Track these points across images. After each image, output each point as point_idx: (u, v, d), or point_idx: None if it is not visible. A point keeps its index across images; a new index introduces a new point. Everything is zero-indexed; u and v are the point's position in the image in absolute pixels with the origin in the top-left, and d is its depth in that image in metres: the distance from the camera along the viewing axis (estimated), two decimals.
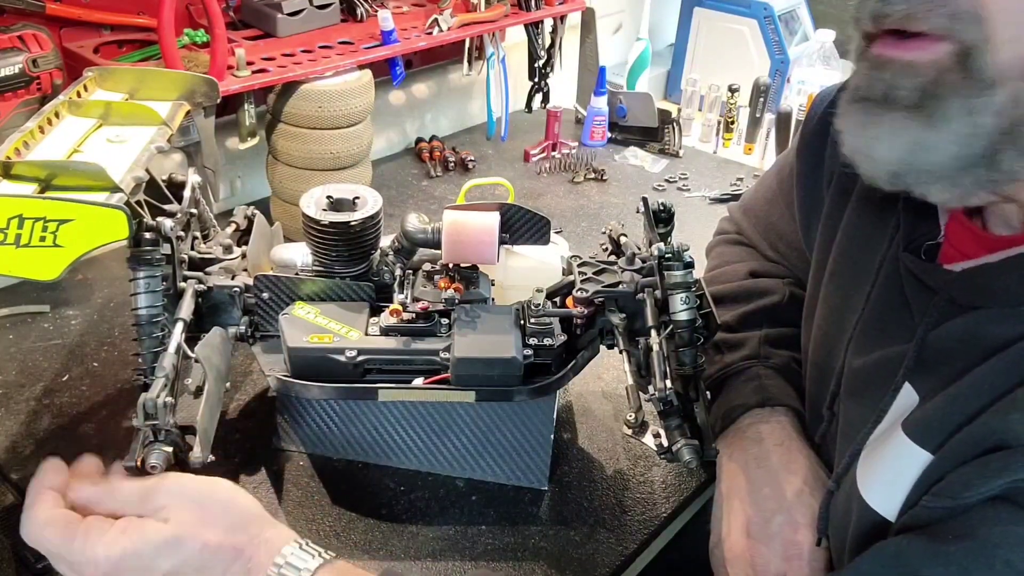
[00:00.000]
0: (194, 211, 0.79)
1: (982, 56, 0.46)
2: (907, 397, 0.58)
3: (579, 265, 0.79)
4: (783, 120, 1.50)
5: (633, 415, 0.74)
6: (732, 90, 1.57)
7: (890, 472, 0.56)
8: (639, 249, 0.78)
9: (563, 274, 0.81)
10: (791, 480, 0.71)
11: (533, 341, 0.72)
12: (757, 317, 0.84)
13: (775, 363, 0.80)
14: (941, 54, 0.47)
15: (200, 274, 0.75)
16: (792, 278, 0.87)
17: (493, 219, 0.75)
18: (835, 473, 0.63)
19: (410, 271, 0.78)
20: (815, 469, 0.72)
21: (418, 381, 0.72)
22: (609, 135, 1.61)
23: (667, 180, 1.48)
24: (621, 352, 0.73)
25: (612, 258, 0.80)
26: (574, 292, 0.75)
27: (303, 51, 1.11)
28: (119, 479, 0.60)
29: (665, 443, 0.69)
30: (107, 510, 0.58)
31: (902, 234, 0.61)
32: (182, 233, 0.76)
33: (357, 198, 0.76)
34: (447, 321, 0.74)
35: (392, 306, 0.74)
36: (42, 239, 0.59)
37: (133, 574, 0.54)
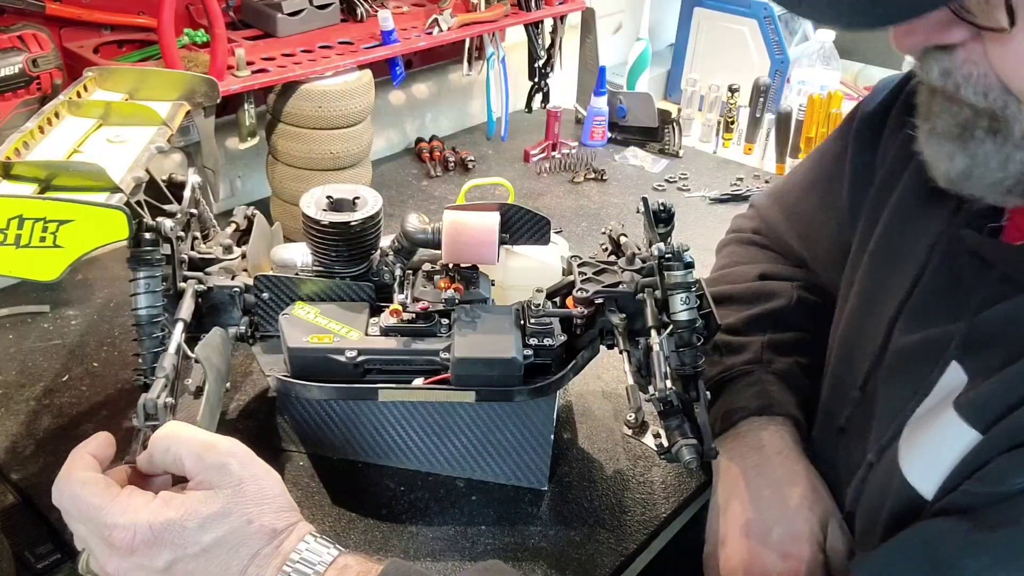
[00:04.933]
0: (194, 211, 0.79)
1: (1013, 121, 0.49)
2: (954, 376, 0.57)
3: (579, 265, 0.79)
4: (783, 120, 1.50)
5: (633, 415, 0.74)
6: (732, 90, 1.57)
7: (934, 449, 0.56)
8: (639, 249, 0.78)
9: (563, 274, 0.81)
10: (791, 491, 0.70)
11: (533, 341, 0.72)
12: (762, 321, 0.83)
13: (777, 369, 0.80)
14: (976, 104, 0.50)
15: (200, 274, 0.75)
16: (803, 281, 0.86)
17: (493, 219, 0.75)
18: (877, 446, 0.63)
19: (410, 271, 0.78)
20: (814, 481, 0.71)
21: (418, 381, 0.72)
22: (609, 135, 1.61)
23: (667, 180, 1.48)
24: (621, 352, 0.73)
25: (612, 258, 0.80)
26: (574, 292, 0.75)
27: (303, 51, 1.11)
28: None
29: (665, 443, 0.69)
30: (149, 471, 0.58)
31: (964, 214, 0.61)
32: (182, 233, 0.76)
33: (357, 198, 0.76)
34: (447, 321, 0.74)
35: (392, 306, 0.74)
36: (42, 239, 0.59)
37: (170, 545, 0.52)
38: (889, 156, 0.71)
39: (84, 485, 0.54)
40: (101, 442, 0.58)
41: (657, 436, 0.69)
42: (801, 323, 0.83)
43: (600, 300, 0.75)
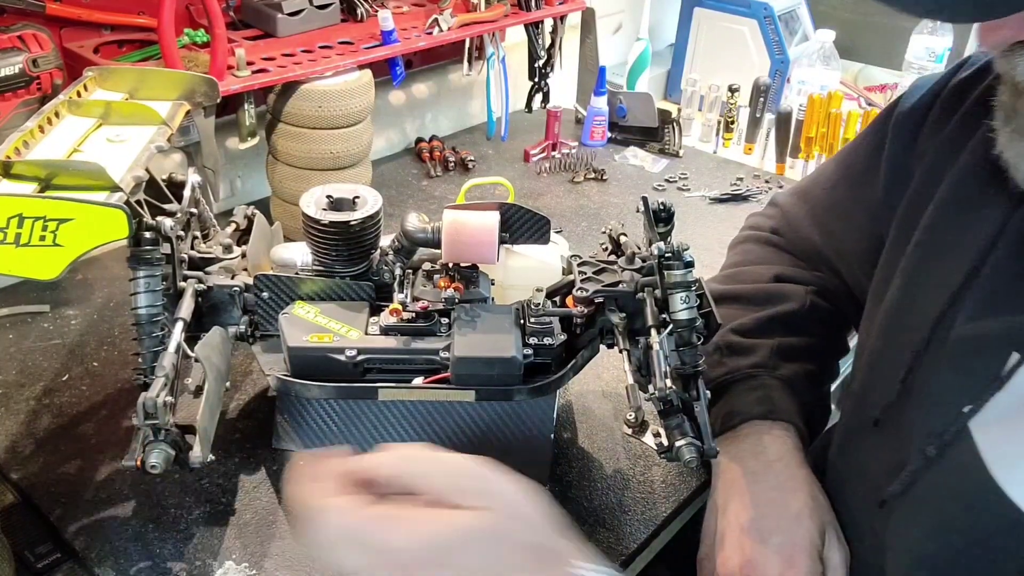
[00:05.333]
0: (194, 210, 0.79)
1: None
2: None
3: (579, 264, 0.79)
4: (783, 120, 1.50)
5: (633, 414, 0.74)
6: (732, 90, 1.57)
7: None
8: (639, 248, 0.78)
9: (563, 273, 0.81)
10: (792, 498, 0.70)
11: (533, 340, 0.72)
12: (773, 324, 0.82)
13: (783, 375, 0.79)
14: None
15: (200, 273, 0.75)
16: (817, 286, 0.86)
17: (493, 219, 0.75)
18: (936, 440, 0.58)
19: (410, 271, 0.78)
20: (814, 490, 0.71)
21: (418, 380, 0.72)
22: (609, 135, 1.61)
23: (667, 180, 1.48)
24: (621, 351, 0.73)
25: (612, 257, 0.80)
26: (574, 291, 0.75)
27: (303, 51, 1.11)
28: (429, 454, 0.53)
29: (665, 442, 0.69)
30: (401, 487, 0.51)
31: None
32: (182, 232, 0.76)
33: (357, 198, 0.76)
34: (447, 320, 0.74)
35: (392, 305, 0.74)
36: (42, 238, 0.59)
37: (431, 567, 0.47)
38: (930, 152, 0.69)
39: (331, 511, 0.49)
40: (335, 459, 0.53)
41: (657, 435, 0.69)
42: (812, 328, 0.82)
43: (600, 299, 0.75)
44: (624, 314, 0.74)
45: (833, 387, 0.88)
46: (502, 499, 0.50)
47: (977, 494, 0.55)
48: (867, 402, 0.71)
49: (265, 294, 0.75)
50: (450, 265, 0.77)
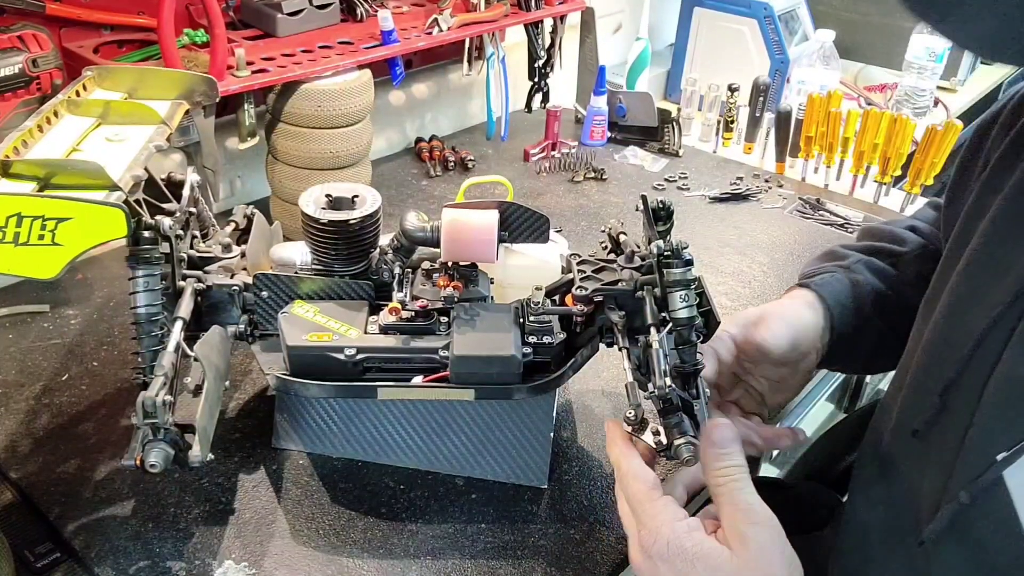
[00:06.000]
0: (193, 210, 0.79)
1: None
2: None
3: (578, 263, 0.79)
4: (783, 119, 1.50)
5: (633, 412, 0.74)
6: (732, 90, 1.57)
7: None
8: (638, 247, 0.78)
9: (562, 272, 0.81)
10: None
11: (532, 339, 0.72)
12: (877, 253, 0.85)
13: (855, 278, 0.82)
14: None
15: (199, 273, 0.75)
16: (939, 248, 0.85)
17: (492, 217, 0.75)
18: (973, 485, 0.55)
19: (409, 269, 0.78)
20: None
21: (417, 379, 0.72)
22: (609, 134, 1.61)
23: (667, 179, 1.48)
24: (620, 350, 0.73)
25: (611, 256, 0.80)
26: (573, 290, 0.75)
27: (303, 51, 1.11)
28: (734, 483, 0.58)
29: (664, 440, 0.68)
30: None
31: None
32: (181, 232, 0.76)
33: (356, 197, 0.76)
34: (446, 319, 0.74)
35: (391, 304, 0.74)
36: (41, 237, 0.59)
37: (674, 572, 0.55)
38: (989, 167, 0.67)
39: (632, 477, 0.60)
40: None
41: (656, 434, 0.69)
42: (908, 270, 0.83)
43: (599, 298, 0.75)
44: (623, 312, 0.74)
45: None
46: (748, 554, 0.54)
47: (1008, 545, 0.54)
48: (910, 410, 0.68)
49: (264, 293, 0.75)
50: (449, 264, 0.77)
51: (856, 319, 0.81)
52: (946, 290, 0.67)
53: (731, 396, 0.82)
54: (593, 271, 0.77)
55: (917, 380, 0.69)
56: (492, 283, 0.80)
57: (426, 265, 0.78)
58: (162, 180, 0.76)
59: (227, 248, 0.79)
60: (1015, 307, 0.57)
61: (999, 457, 0.54)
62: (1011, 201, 0.63)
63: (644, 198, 0.76)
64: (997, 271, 0.62)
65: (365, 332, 0.73)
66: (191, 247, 0.78)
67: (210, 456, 0.65)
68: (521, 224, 0.76)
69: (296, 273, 0.76)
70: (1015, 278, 0.59)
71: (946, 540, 0.58)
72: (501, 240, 0.76)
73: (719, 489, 0.58)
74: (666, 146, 1.58)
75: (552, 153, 1.54)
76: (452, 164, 1.46)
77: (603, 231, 0.84)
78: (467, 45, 1.38)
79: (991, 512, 0.55)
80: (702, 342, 0.71)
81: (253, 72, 1.03)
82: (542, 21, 1.42)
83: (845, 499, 0.79)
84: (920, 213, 0.95)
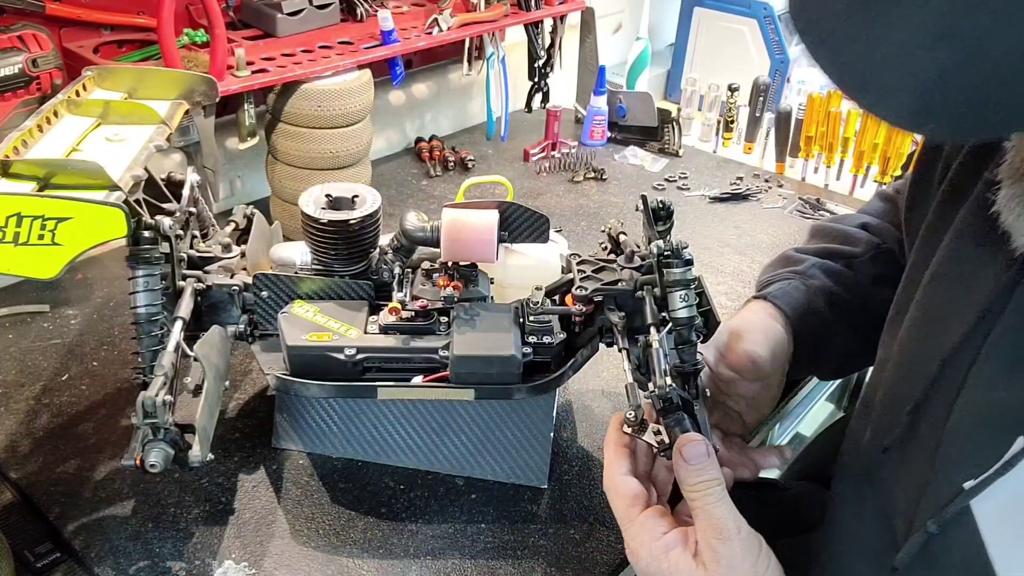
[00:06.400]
0: (193, 210, 0.79)
1: None
2: None
3: (578, 263, 0.79)
4: (783, 119, 1.50)
5: (633, 413, 0.73)
6: (732, 89, 1.57)
7: None
8: (638, 247, 0.78)
9: (562, 272, 0.81)
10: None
11: (532, 339, 0.72)
12: (830, 254, 0.85)
13: (813, 284, 0.81)
14: None
15: (199, 272, 0.75)
16: (897, 247, 0.86)
17: (492, 217, 0.75)
18: (940, 515, 0.55)
19: (409, 269, 0.78)
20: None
21: (417, 379, 0.72)
22: (609, 134, 1.61)
23: (667, 179, 1.48)
24: (620, 351, 0.73)
25: (611, 256, 0.80)
26: (573, 290, 0.75)
27: (303, 51, 1.11)
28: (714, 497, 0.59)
29: (667, 440, 0.68)
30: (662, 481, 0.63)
31: None
32: (181, 232, 0.76)
33: (356, 197, 0.76)
34: (446, 319, 0.74)
35: (391, 304, 0.74)
36: (40, 237, 0.59)
37: None
38: (949, 174, 0.65)
39: (613, 493, 0.61)
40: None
41: (657, 433, 0.69)
42: (863, 270, 0.83)
43: (599, 298, 0.75)
44: (623, 313, 0.74)
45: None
46: (719, 569, 0.56)
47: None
48: (881, 425, 0.68)
49: (264, 293, 0.75)
50: (449, 264, 0.77)
51: (817, 325, 0.81)
52: (912, 304, 0.66)
53: (711, 420, 0.78)
54: (593, 271, 0.77)
55: (887, 397, 0.68)
56: (492, 283, 0.80)
57: (426, 265, 0.78)
58: (162, 180, 0.76)
59: (227, 248, 0.79)
60: (981, 327, 0.56)
61: (966, 486, 0.53)
62: (974, 215, 0.60)
63: (644, 198, 0.76)
64: (962, 288, 0.60)
65: (365, 332, 0.73)
66: (191, 247, 0.78)
67: (210, 456, 0.65)
68: (521, 224, 0.76)
69: (296, 273, 0.76)
70: (980, 296, 0.57)
71: (916, 569, 0.58)
72: (501, 240, 0.76)
73: (694, 504, 0.59)
74: (666, 146, 1.58)
75: (552, 153, 1.54)
76: (452, 164, 1.46)
77: (603, 231, 0.84)
78: (467, 45, 1.37)
79: (959, 543, 0.54)
80: (702, 342, 0.71)
81: (253, 72, 1.03)
82: (542, 21, 1.42)
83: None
84: (870, 206, 0.95)
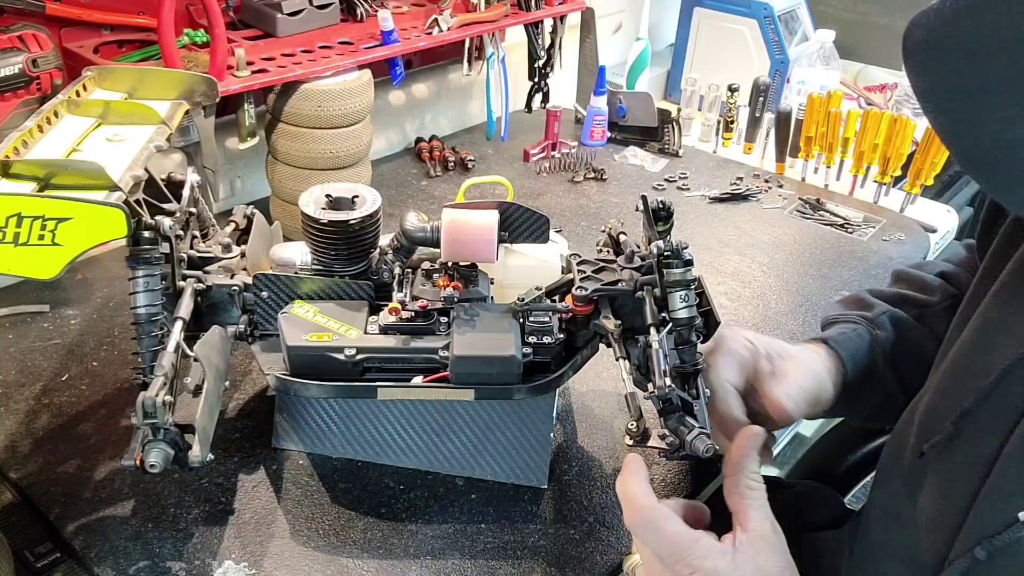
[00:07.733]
0: (193, 210, 0.79)
1: None
2: None
3: (578, 263, 0.79)
4: (783, 119, 1.50)
5: (635, 423, 0.72)
6: (732, 90, 1.57)
7: None
8: (638, 247, 0.78)
9: (562, 272, 0.81)
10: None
11: (532, 339, 0.72)
12: (903, 302, 0.83)
13: (879, 336, 0.79)
14: None
15: (199, 273, 0.75)
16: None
17: (492, 217, 0.75)
18: (988, 542, 0.53)
19: (409, 270, 0.78)
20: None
21: (417, 379, 0.72)
22: (609, 135, 1.61)
23: (667, 179, 1.48)
24: (617, 359, 0.72)
25: (611, 256, 0.80)
26: (573, 290, 0.75)
27: (303, 51, 1.11)
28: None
29: (676, 440, 0.68)
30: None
31: None
32: (181, 232, 0.76)
33: (356, 197, 0.76)
34: (446, 319, 0.74)
35: (391, 304, 0.74)
36: (41, 238, 0.59)
37: None
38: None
39: (668, 520, 0.59)
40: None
41: (664, 436, 0.68)
42: (936, 324, 0.81)
43: (598, 297, 0.75)
44: (619, 320, 0.74)
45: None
46: None
47: None
48: (923, 430, 0.66)
49: (264, 293, 0.75)
50: (449, 264, 0.77)
51: (869, 377, 0.79)
52: (976, 312, 0.65)
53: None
54: (593, 271, 0.77)
55: (933, 402, 0.66)
56: (492, 283, 0.80)
57: (426, 265, 0.78)
58: (162, 180, 0.76)
59: (227, 248, 0.79)
60: None
61: (1022, 516, 0.52)
62: None
63: (644, 198, 0.76)
64: None
65: (365, 332, 0.73)
66: (191, 247, 0.78)
67: (210, 456, 0.66)
68: (521, 224, 0.76)
69: (296, 273, 0.76)
70: None
71: None
72: (501, 240, 0.76)
73: (745, 494, 0.60)
74: (666, 146, 1.58)
75: (552, 153, 1.54)
76: (452, 164, 1.46)
77: (603, 231, 0.84)
78: (467, 45, 1.38)
79: (1008, 573, 0.53)
80: (702, 342, 0.71)
81: (253, 72, 1.03)
82: (542, 21, 1.42)
83: (860, 507, 0.78)
84: (953, 256, 0.92)
